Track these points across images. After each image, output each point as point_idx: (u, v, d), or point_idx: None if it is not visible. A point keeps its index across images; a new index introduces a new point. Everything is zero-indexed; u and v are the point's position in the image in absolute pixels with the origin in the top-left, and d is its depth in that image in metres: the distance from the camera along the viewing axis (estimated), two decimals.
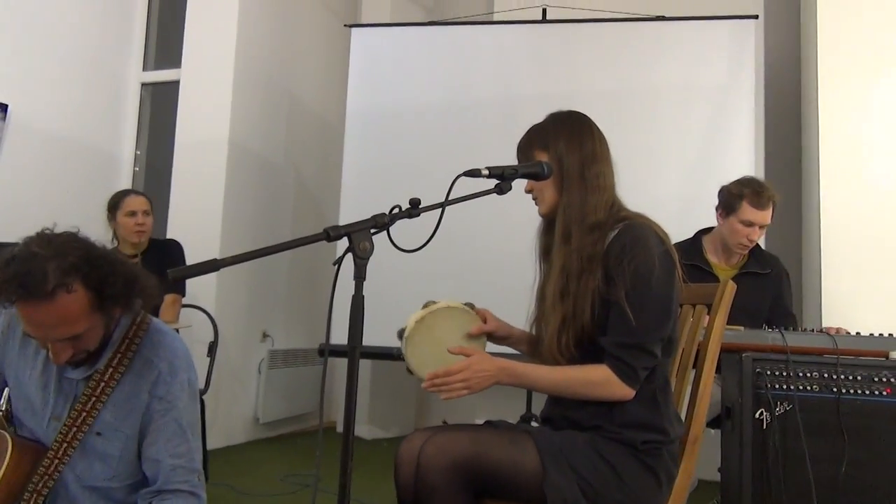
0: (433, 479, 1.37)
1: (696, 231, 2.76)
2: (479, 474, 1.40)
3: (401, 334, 1.50)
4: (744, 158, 3.58)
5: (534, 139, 1.59)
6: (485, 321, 1.61)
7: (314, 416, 4.97)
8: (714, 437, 2.22)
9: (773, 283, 2.66)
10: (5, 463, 1.38)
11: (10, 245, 1.43)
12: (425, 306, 1.53)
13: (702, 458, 1.63)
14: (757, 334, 2.11)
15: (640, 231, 1.48)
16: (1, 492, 1.36)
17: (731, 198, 2.57)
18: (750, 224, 2.54)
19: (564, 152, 1.54)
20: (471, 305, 1.61)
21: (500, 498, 1.45)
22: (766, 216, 2.55)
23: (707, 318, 1.68)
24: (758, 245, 2.69)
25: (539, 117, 1.63)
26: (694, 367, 1.67)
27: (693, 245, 2.72)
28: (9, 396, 1.61)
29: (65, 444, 1.41)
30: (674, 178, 3.72)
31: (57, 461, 1.41)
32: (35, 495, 1.39)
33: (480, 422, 1.63)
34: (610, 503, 1.44)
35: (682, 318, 1.71)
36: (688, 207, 3.41)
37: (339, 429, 4.63)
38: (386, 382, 4.79)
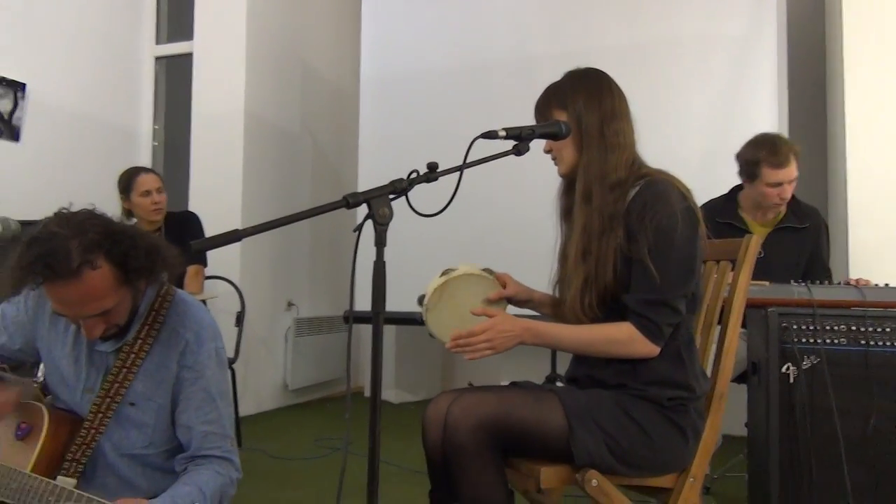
0: (460, 438, 1.39)
1: (730, 188, 2.69)
2: (505, 433, 1.42)
3: (421, 301, 1.51)
4: (766, 111, 3.49)
5: (551, 98, 1.57)
6: (504, 286, 1.61)
7: (341, 382, 5.05)
8: (740, 392, 2.22)
9: (811, 237, 2.59)
10: (43, 433, 1.42)
11: (33, 223, 1.45)
12: (444, 273, 1.53)
13: (728, 413, 1.63)
14: (782, 288, 2.09)
15: (661, 187, 1.46)
16: (41, 461, 1.40)
17: (749, 165, 2.50)
18: (777, 184, 2.46)
19: (583, 111, 1.52)
20: (489, 271, 1.61)
21: (527, 456, 1.47)
22: (790, 172, 2.47)
23: (731, 273, 1.66)
24: (795, 198, 2.59)
25: (556, 76, 1.61)
26: (719, 323, 1.66)
27: (728, 202, 2.66)
28: (43, 369, 1.66)
29: (100, 415, 1.45)
30: (695, 133, 3.64)
31: (93, 431, 1.45)
32: (74, 464, 1.43)
33: (506, 383, 1.65)
34: (637, 460, 1.45)
35: (706, 274, 1.70)
36: (710, 163, 3.35)
37: (367, 393, 4.71)
38: (411, 347, 4.84)
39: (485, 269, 1.60)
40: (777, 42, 3.63)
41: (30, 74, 3.80)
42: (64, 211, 1.36)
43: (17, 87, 3.72)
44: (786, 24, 3.76)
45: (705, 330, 1.67)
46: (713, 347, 1.66)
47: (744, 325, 1.85)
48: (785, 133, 3.35)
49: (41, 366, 1.81)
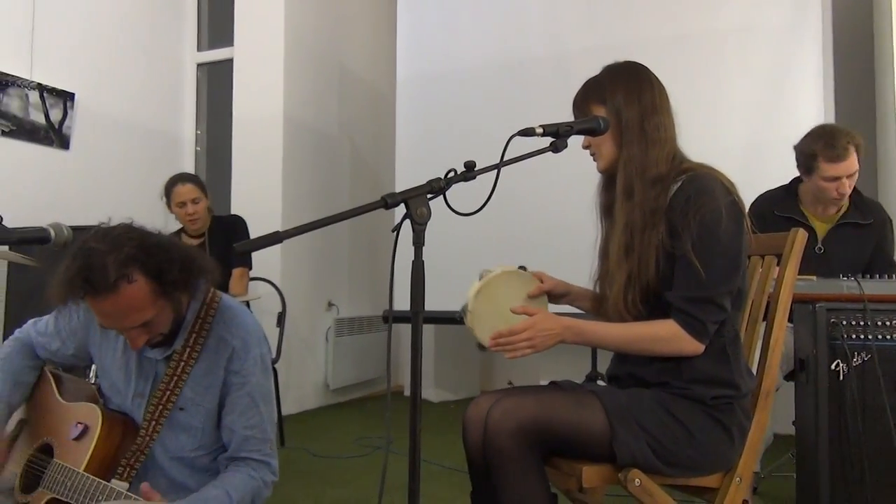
0: (501, 442, 1.39)
1: (784, 180, 2.59)
2: (546, 436, 1.41)
3: (464, 311, 1.49)
4: (812, 102, 3.40)
5: (590, 93, 1.55)
6: (541, 282, 1.60)
7: (382, 381, 5.08)
8: (788, 390, 2.17)
9: (874, 233, 2.48)
10: (96, 434, 1.46)
11: (84, 228, 1.49)
12: (481, 277, 1.52)
13: (776, 411, 1.60)
14: (830, 283, 2.02)
15: (704, 181, 1.43)
16: (94, 461, 1.45)
17: (806, 158, 2.39)
18: (835, 179, 2.35)
19: (622, 105, 1.50)
20: (523, 268, 1.60)
21: (570, 457, 1.45)
22: (849, 166, 2.34)
23: (777, 268, 1.62)
24: (858, 191, 2.48)
25: (594, 71, 1.59)
26: (764, 319, 1.62)
27: (788, 195, 2.55)
28: (95, 371, 1.72)
29: (153, 422, 1.50)
30: (739, 126, 3.56)
31: (148, 438, 1.50)
32: (128, 469, 1.48)
33: (545, 382, 1.64)
34: (680, 459, 1.43)
35: (751, 269, 1.66)
36: (755, 156, 3.28)
37: (407, 392, 4.74)
38: (450, 346, 4.85)
39: (520, 268, 1.60)
40: (822, 30, 3.53)
41: (78, 84, 3.92)
42: (102, 226, 1.42)
43: (66, 97, 3.85)
44: (830, 10, 3.65)
45: (750, 326, 1.63)
46: (759, 344, 1.62)
47: (790, 321, 1.81)
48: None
49: (93, 367, 1.87)
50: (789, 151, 2.51)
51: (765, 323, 1.62)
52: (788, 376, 2.30)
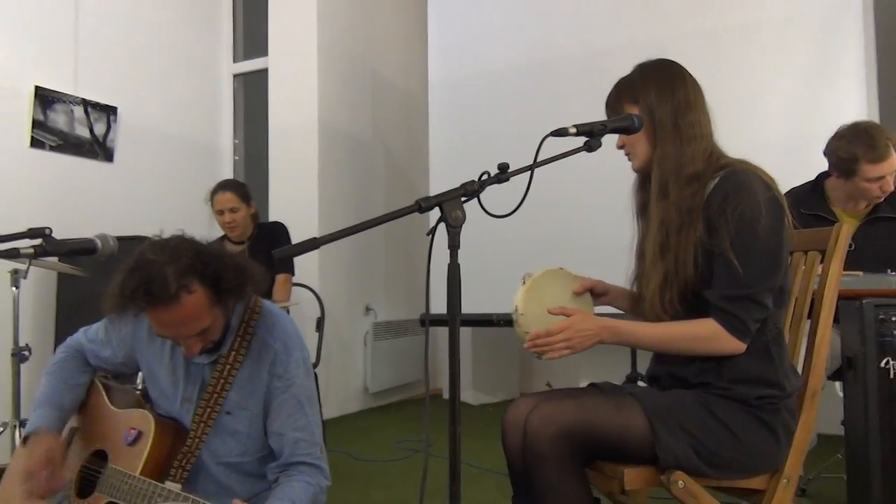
0: (541, 447, 1.38)
1: (816, 174, 2.54)
2: (586, 440, 1.39)
3: (514, 315, 1.48)
4: (854, 95, 3.30)
5: (622, 92, 1.54)
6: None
7: (420, 385, 5.10)
8: (831, 389, 2.11)
9: None
10: (150, 439, 1.50)
11: (129, 239, 1.54)
12: (524, 281, 1.52)
13: (823, 411, 1.56)
14: (877, 279, 1.97)
15: (742, 177, 1.41)
16: (148, 465, 1.49)
17: (845, 162, 2.33)
18: (878, 178, 2.31)
19: (655, 103, 1.48)
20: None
21: (611, 461, 1.44)
22: (892, 164, 2.30)
23: (821, 265, 1.58)
24: None
25: (626, 68, 1.58)
26: (809, 317, 1.59)
27: (814, 191, 2.50)
28: (142, 378, 1.76)
29: (201, 425, 1.54)
30: (778, 120, 3.48)
31: (197, 440, 1.53)
32: (180, 471, 1.51)
33: (584, 384, 1.63)
34: (724, 461, 1.40)
35: (794, 265, 1.62)
36: (794, 151, 3.20)
37: (445, 395, 4.71)
38: (488, 348, 4.85)
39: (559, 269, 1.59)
40: (863, 20, 3.43)
41: (120, 98, 4.03)
42: (157, 238, 1.45)
43: (109, 111, 3.96)
44: (872, 0, 3.55)
45: (795, 324, 1.60)
46: (804, 342, 1.59)
47: (836, 319, 1.76)
48: (875, 118, 3.16)
49: (140, 374, 1.91)
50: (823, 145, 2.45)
51: (809, 321, 1.58)
52: (833, 375, 2.24)
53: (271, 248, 3.18)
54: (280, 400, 1.54)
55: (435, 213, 1.20)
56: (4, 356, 2.51)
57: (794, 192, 2.50)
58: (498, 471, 2.88)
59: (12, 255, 1.57)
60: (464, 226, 1.20)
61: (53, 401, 1.61)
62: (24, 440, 1.54)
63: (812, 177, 2.58)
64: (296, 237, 3.45)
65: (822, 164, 2.51)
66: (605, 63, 3.59)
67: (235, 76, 4.92)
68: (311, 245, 1.12)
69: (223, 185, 3.36)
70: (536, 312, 1.47)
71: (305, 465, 1.53)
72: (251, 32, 4.91)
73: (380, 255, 4.90)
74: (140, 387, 1.77)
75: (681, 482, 1.38)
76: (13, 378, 2.48)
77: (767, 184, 1.42)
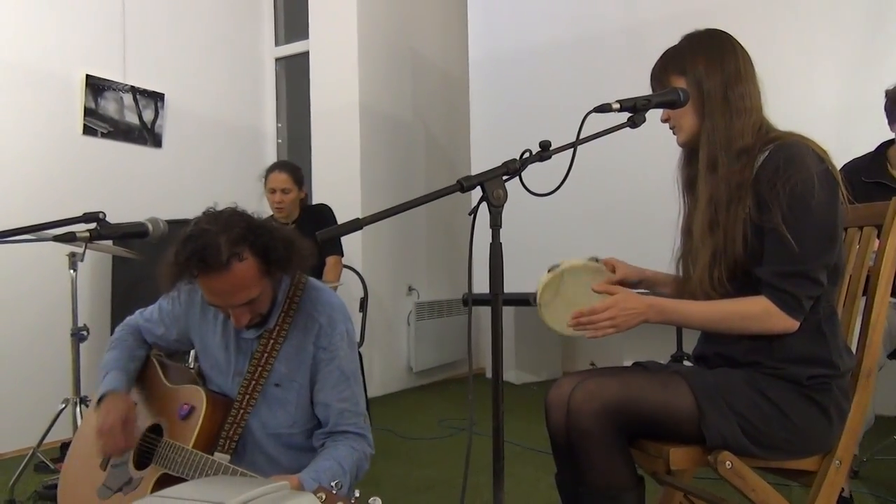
0: (584, 424, 1.37)
1: (875, 146, 2.44)
2: (631, 418, 1.38)
3: (534, 300, 1.49)
4: None
5: (669, 64, 1.50)
6: (613, 270, 1.56)
7: (463, 364, 5.13)
8: (892, 369, 2.05)
9: None
10: (202, 414, 1.57)
11: (179, 222, 1.58)
12: (550, 269, 1.50)
13: (878, 392, 1.51)
14: None
15: (794, 150, 1.36)
16: (200, 438, 1.55)
17: None
18: None
19: (704, 75, 1.44)
20: (595, 259, 1.56)
21: (656, 439, 1.43)
22: None
23: (877, 240, 1.53)
24: None
25: (671, 40, 1.53)
26: (864, 294, 1.53)
27: (875, 160, 2.40)
28: (195, 356, 1.83)
29: (247, 396, 1.59)
30: (830, 89, 3.33)
31: (242, 410, 1.59)
32: (227, 441, 1.58)
33: (628, 363, 1.61)
34: (774, 442, 1.37)
35: (849, 241, 1.57)
36: (850, 120, 3.07)
37: (488, 374, 4.77)
38: (531, 328, 4.84)
39: (591, 259, 1.56)
40: None
41: (168, 85, 4.12)
42: (211, 209, 1.51)
43: (157, 98, 4.05)
44: None
45: (849, 302, 1.55)
46: (858, 321, 1.53)
47: (893, 296, 1.70)
48: None
49: (192, 353, 1.98)
50: (884, 115, 2.34)
51: (864, 298, 1.53)
52: (892, 354, 2.17)
53: (317, 229, 3.20)
54: (325, 371, 1.59)
55: (476, 193, 1.19)
56: (64, 336, 2.62)
57: (854, 164, 2.40)
58: (541, 449, 2.88)
59: (69, 238, 1.63)
60: (506, 205, 1.19)
61: (121, 366, 1.70)
62: (99, 401, 1.61)
63: (865, 147, 2.47)
64: (340, 218, 3.49)
65: (877, 134, 2.41)
66: (649, 35, 3.52)
67: (277, 60, 4.97)
68: (354, 226, 1.13)
69: (279, 165, 3.40)
70: (558, 307, 1.47)
71: (351, 433, 1.58)
72: (292, 16, 4.94)
73: (422, 236, 4.92)
74: (192, 365, 1.83)
75: (728, 462, 1.36)
76: (73, 357, 2.59)
77: (820, 156, 1.37)
